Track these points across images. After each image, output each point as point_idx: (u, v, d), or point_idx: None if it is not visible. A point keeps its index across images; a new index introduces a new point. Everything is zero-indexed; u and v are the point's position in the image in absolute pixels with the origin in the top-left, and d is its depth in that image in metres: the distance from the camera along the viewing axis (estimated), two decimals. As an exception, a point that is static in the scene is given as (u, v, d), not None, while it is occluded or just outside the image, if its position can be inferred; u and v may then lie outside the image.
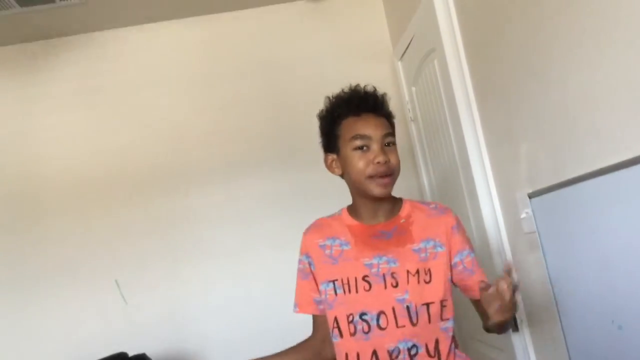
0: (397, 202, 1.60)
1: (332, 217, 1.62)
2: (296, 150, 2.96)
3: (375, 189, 1.48)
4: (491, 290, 1.33)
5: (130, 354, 2.30)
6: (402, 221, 1.56)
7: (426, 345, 1.47)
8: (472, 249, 1.58)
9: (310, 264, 1.57)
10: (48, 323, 2.77)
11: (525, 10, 1.67)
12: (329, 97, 1.60)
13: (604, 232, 1.44)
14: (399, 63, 2.87)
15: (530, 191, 1.77)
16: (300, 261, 1.60)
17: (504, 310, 1.32)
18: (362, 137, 1.50)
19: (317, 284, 1.56)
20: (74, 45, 2.96)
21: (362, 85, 1.59)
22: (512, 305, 1.33)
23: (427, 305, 1.48)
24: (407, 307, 1.47)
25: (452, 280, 1.54)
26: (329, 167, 1.59)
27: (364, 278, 1.50)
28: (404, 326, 1.46)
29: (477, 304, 1.52)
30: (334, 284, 1.52)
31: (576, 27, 1.43)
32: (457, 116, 2.16)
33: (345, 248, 1.54)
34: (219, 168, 2.95)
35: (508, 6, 1.77)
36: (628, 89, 1.29)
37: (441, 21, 2.19)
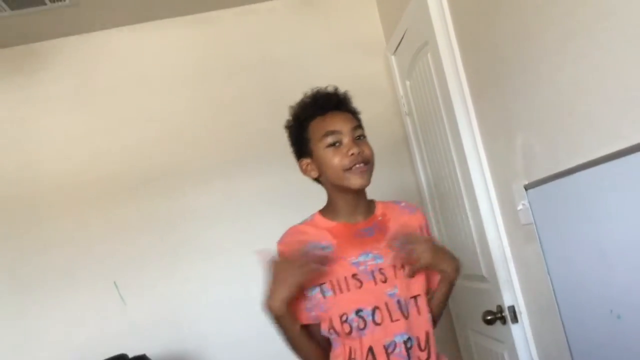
0: (371, 202, 1.63)
1: (304, 223, 1.61)
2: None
3: (355, 180, 1.51)
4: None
5: (130, 355, 2.30)
6: (379, 218, 1.59)
7: (418, 339, 1.50)
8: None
9: None
10: (47, 325, 2.76)
11: (518, 1, 1.67)
12: (292, 106, 1.63)
13: (601, 222, 1.44)
14: (393, 57, 2.87)
15: (527, 183, 1.77)
16: None
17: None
18: (332, 133, 1.52)
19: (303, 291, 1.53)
20: (66, 47, 2.95)
21: (324, 87, 1.61)
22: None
23: (415, 298, 1.52)
24: (398, 302, 1.49)
25: None
26: (305, 171, 1.60)
27: (353, 276, 1.50)
28: (398, 320, 1.48)
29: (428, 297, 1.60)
30: (320, 287, 1.51)
31: (569, 17, 1.43)
32: (451, 109, 2.15)
33: (329, 251, 1.53)
34: (216, 166, 2.94)
35: (500, -2, 1.77)
36: (622, 79, 1.29)
37: (433, 14, 2.18)
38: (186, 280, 2.87)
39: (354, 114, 1.61)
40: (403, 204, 1.67)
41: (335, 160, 1.51)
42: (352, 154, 1.50)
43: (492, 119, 2.01)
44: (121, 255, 2.85)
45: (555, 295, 1.72)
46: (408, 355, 1.47)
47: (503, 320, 2.09)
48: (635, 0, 1.20)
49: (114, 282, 2.82)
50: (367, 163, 1.53)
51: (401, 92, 2.83)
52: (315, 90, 1.61)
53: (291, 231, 1.60)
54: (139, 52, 3.02)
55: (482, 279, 2.24)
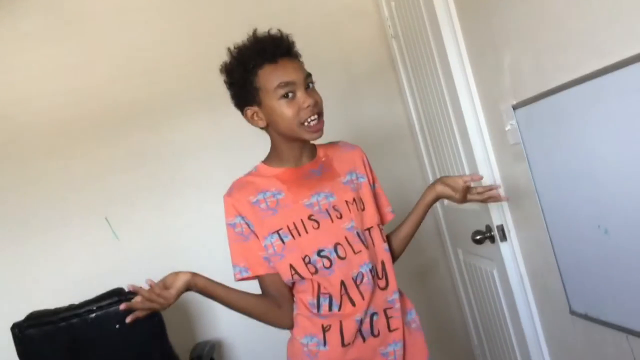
0: (312, 146, 1.62)
1: (249, 174, 1.59)
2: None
3: (312, 135, 1.49)
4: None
5: (126, 289, 2.33)
6: (323, 159, 1.61)
7: (375, 268, 1.54)
8: (385, 199, 1.71)
9: (248, 225, 1.52)
10: (41, 263, 2.78)
11: None
12: (230, 50, 1.54)
13: (588, 138, 1.44)
14: (377, -23, 2.78)
15: (515, 102, 1.75)
16: (234, 225, 1.54)
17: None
18: (286, 84, 1.46)
19: (260, 241, 1.53)
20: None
21: (268, 30, 1.52)
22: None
23: (369, 230, 1.57)
24: (357, 233, 1.53)
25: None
26: (251, 120, 1.54)
27: (309, 217, 1.51)
28: (360, 251, 1.52)
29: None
30: (278, 234, 1.50)
31: None
32: (438, 29, 2.11)
33: (279, 197, 1.53)
34: (200, 98, 2.88)
35: None
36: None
37: None
38: (177, 213, 2.88)
39: (299, 59, 1.53)
40: (341, 143, 1.68)
41: (290, 113, 1.46)
42: (308, 106, 1.46)
43: (479, 39, 1.97)
44: (111, 192, 2.84)
45: (543, 213, 1.74)
46: (373, 282, 1.52)
47: (492, 239, 2.13)
48: None
49: (106, 218, 2.83)
50: (321, 114, 1.50)
51: (386, 13, 2.76)
52: (259, 34, 1.51)
53: (238, 183, 1.58)
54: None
55: (471, 200, 2.26)
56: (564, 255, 1.71)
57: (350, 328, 1.50)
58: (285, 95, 1.46)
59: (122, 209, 2.84)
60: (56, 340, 2.36)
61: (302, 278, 1.50)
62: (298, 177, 1.55)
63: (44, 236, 2.79)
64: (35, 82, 2.83)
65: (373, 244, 1.56)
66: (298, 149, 1.56)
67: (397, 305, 1.56)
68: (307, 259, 1.50)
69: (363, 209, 1.57)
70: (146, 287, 1.45)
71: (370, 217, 1.58)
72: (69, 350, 2.37)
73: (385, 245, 1.58)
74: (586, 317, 1.66)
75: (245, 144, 2.84)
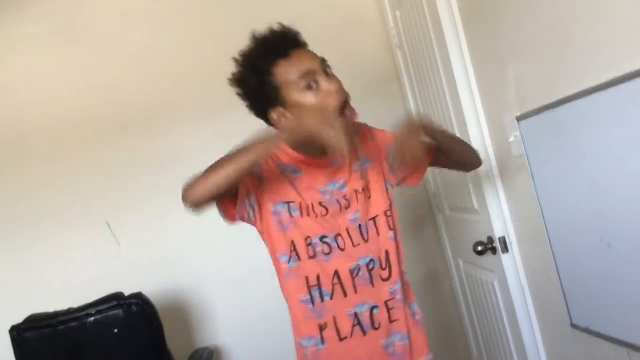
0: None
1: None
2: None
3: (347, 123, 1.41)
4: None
5: (126, 293, 2.33)
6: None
7: (379, 258, 1.53)
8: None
9: (260, 178, 1.48)
10: (42, 267, 2.78)
11: None
12: (236, 58, 1.49)
13: (592, 150, 1.44)
14: (382, -14, 2.79)
15: (519, 114, 1.75)
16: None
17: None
18: (306, 73, 1.40)
19: (261, 190, 1.48)
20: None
21: (267, 28, 1.48)
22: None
23: (373, 219, 1.54)
24: (359, 226, 1.52)
25: (393, 184, 1.59)
26: (278, 122, 1.46)
27: (319, 203, 1.50)
28: (359, 244, 1.51)
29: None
30: (288, 205, 1.49)
31: (564, -60, 1.38)
32: (442, 39, 2.11)
33: (297, 175, 1.51)
34: (204, 105, 2.88)
35: None
36: (616, 7, 1.26)
37: (424, -60, 2.10)
38: (178, 219, 2.85)
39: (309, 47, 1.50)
40: (374, 131, 1.64)
41: (318, 102, 1.40)
42: (336, 91, 1.40)
43: (484, 50, 1.97)
44: (112, 196, 2.83)
45: (545, 225, 1.74)
46: (370, 276, 1.51)
47: (494, 250, 2.12)
48: None
49: (107, 223, 2.82)
50: (347, 100, 1.45)
51: (391, 23, 2.76)
52: (258, 34, 1.47)
53: None
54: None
55: (473, 210, 2.25)
56: (566, 267, 1.70)
57: (344, 322, 1.50)
58: (309, 86, 1.41)
59: (123, 214, 2.83)
60: (54, 344, 2.35)
61: (296, 260, 1.49)
62: (318, 166, 1.51)
63: (45, 239, 2.79)
64: (37, 86, 2.83)
65: (377, 233, 1.53)
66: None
67: (399, 296, 1.55)
68: (308, 240, 1.49)
69: (369, 197, 1.54)
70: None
71: (377, 204, 1.54)
72: (67, 353, 2.36)
73: (391, 234, 1.54)
74: (587, 331, 1.66)
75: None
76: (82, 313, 2.34)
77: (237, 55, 1.50)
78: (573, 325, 1.72)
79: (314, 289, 1.50)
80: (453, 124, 2.22)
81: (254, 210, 1.50)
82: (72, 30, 2.86)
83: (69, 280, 2.75)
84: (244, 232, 2.96)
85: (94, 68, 2.85)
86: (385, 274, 1.53)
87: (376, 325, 1.52)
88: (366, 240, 1.52)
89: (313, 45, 1.54)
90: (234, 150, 1.40)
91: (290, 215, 1.49)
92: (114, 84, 2.85)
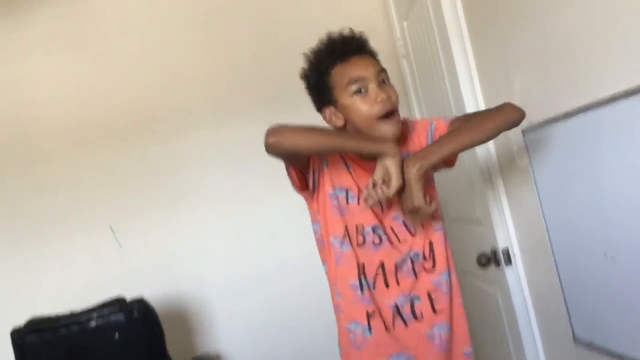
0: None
1: None
2: (287, 90, 2.89)
3: (389, 129, 1.48)
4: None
5: (128, 298, 2.33)
6: None
7: (423, 250, 1.55)
8: (439, 118, 1.61)
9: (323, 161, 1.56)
10: (44, 270, 2.79)
11: (520, -63, 1.61)
12: (307, 54, 1.57)
13: (597, 164, 1.43)
14: (390, -3, 2.79)
15: (524, 126, 1.75)
16: None
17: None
18: (357, 80, 1.48)
19: (323, 172, 1.55)
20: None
21: (340, 30, 1.54)
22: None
23: None
24: (404, 222, 1.55)
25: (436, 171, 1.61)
26: (329, 121, 1.55)
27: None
28: (405, 239, 1.54)
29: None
30: (347, 192, 1.54)
31: (572, -47, 1.38)
32: (449, 50, 2.11)
33: (349, 170, 1.56)
34: (210, 110, 2.90)
35: None
36: (622, 22, 1.26)
37: (432, -49, 2.11)
38: (181, 224, 2.88)
39: (374, 56, 1.56)
40: (417, 127, 1.64)
41: (364, 108, 1.47)
42: (381, 100, 1.46)
43: (490, 61, 1.97)
44: (116, 200, 2.84)
45: (549, 238, 1.73)
46: (414, 269, 1.54)
47: (497, 262, 2.11)
48: None
49: (110, 227, 2.83)
50: (396, 110, 1.50)
51: (398, 33, 2.77)
52: (330, 35, 1.55)
53: None
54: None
55: (476, 221, 2.25)
56: (569, 281, 1.69)
57: (386, 313, 1.53)
58: (358, 91, 1.47)
59: (126, 218, 2.84)
60: (55, 347, 2.35)
61: (349, 245, 1.53)
62: (365, 166, 1.55)
63: (47, 242, 2.80)
64: (42, 89, 2.86)
65: (422, 226, 1.55)
66: None
67: (445, 288, 1.56)
68: (361, 228, 1.53)
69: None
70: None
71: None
72: (68, 357, 2.36)
73: (436, 225, 1.57)
74: (590, 346, 1.64)
75: (250, 157, 2.85)
76: (84, 317, 2.34)
77: (307, 52, 1.57)
78: (576, 339, 1.71)
79: (362, 277, 1.53)
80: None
81: (314, 186, 1.56)
82: (78, 34, 2.88)
83: (71, 283, 2.76)
84: (247, 238, 2.98)
85: (99, 72, 2.88)
86: (428, 265, 1.55)
87: (418, 315, 1.54)
88: (413, 235, 1.55)
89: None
90: (347, 134, 1.50)
91: (347, 202, 1.54)
92: (119, 89, 2.87)
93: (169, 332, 2.42)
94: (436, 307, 1.55)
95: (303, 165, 1.55)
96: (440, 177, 2.62)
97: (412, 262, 1.54)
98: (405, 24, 2.65)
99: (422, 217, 1.51)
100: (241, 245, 2.88)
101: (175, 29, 2.93)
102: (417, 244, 1.55)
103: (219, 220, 2.88)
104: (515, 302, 2.07)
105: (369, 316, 1.53)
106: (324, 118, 1.57)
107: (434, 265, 1.56)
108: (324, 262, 1.61)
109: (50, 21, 2.86)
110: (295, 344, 2.82)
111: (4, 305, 2.71)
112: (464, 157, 2.20)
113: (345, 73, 1.49)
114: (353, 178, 1.55)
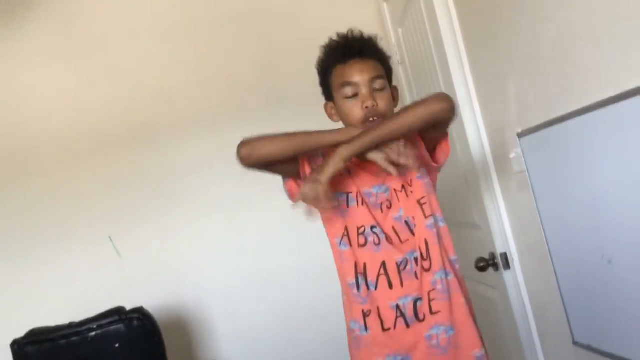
0: None
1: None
2: (284, 96, 2.92)
3: None
4: None
5: (128, 307, 2.33)
6: None
7: (420, 250, 1.55)
8: None
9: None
10: (43, 280, 2.78)
11: (512, -56, 1.62)
12: (323, 47, 1.61)
13: (593, 167, 1.44)
14: (385, 4, 2.81)
15: (520, 130, 1.76)
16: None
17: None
18: (349, 84, 1.52)
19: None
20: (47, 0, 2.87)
21: (350, 31, 1.58)
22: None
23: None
24: (406, 222, 1.56)
25: (435, 167, 1.62)
26: (329, 115, 1.62)
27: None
28: (407, 240, 1.55)
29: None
30: (347, 196, 1.56)
31: (564, -41, 1.40)
32: (444, 56, 2.12)
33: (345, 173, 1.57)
34: (206, 118, 2.91)
35: (494, -60, 1.72)
36: (616, 25, 1.27)
37: (426, -42, 2.12)
38: (180, 232, 2.88)
39: (380, 60, 1.58)
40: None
41: (350, 112, 1.52)
42: (366, 107, 1.49)
43: (485, 66, 1.98)
44: (114, 210, 2.85)
45: (547, 242, 1.74)
46: (416, 269, 1.54)
47: (495, 266, 2.12)
48: (633, -60, 1.17)
49: (109, 237, 2.83)
50: (381, 116, 1.50)
51: (393, 40, 2.78)
52: (339, 34, 1.59)
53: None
54: (124, 2, 2.94)
55: (474, 226, 2.25)
56: (568, 284, 1.70)
57: (387, 313, 1.53)
58: (351, 96, 1.52)
59: (125, 227, 2.84)
60: (55, 358, 2.35)
61: (347, 245, 1.54)
62: (363, 168, 1.57)
63: (47, 253, 2.80)
64: (40, 99, 2.86)
65: (416, 224, 1.56)
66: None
67: (440, 286, 1.54)
68: (362, 229, 1.55)
69: (412, 192, 1.57)
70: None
71: (417, 194, 1.56)
72: (68, 368, 2.36)
73: (428, 222, 1.55)
74: (589, 348, 1.65)
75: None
76: (84, 328, 2.34)
77: (324, 44, 1.60)
78: (575, 343, 1.71)
79: (361, 277, 1.54)
80: (455, 140, 2.23)
81: None
82: (77, 45, 2.90)
83: (70, 294, 2.76)
84: (246, 246, 2.98)
85: (97, 82, 2.89)
86: (427, 264, 1.55)
87: (420, 317, 1.53)
88: (414, 235, 1.55)
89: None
90: (311, 131, 1.51)
91: (347, 205, 1.56)
92: (117, 98, 2.88)
93: (169, 341, 2.42)
94: (433, 307, 1.54)
95: (294, 173, 1.57)
96: (438, 183, 2.63)
97: (415, 262, 1.54)
98: (400, 30, 2.67)
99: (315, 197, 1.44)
100: (240, 254, 2.88)
101: (172, 39, 2.94)
102: (417, 243, 1.56)
103: (218, 228, 2.89)
104: (514, 306, 2.07)
105: (364, 315, 1.54)
106: (325, 112, 1.62)
107: (430, 265, 1.55)
108: (335, 262, 1.62)
109: (49, 34, 2.88)
110: (296, 352, 2.82)
111: (4, 316, 2.70)
112: (460, 162, 2.22)
113: (341, 76, 1.54)
114: (353, 181, 1.57)
